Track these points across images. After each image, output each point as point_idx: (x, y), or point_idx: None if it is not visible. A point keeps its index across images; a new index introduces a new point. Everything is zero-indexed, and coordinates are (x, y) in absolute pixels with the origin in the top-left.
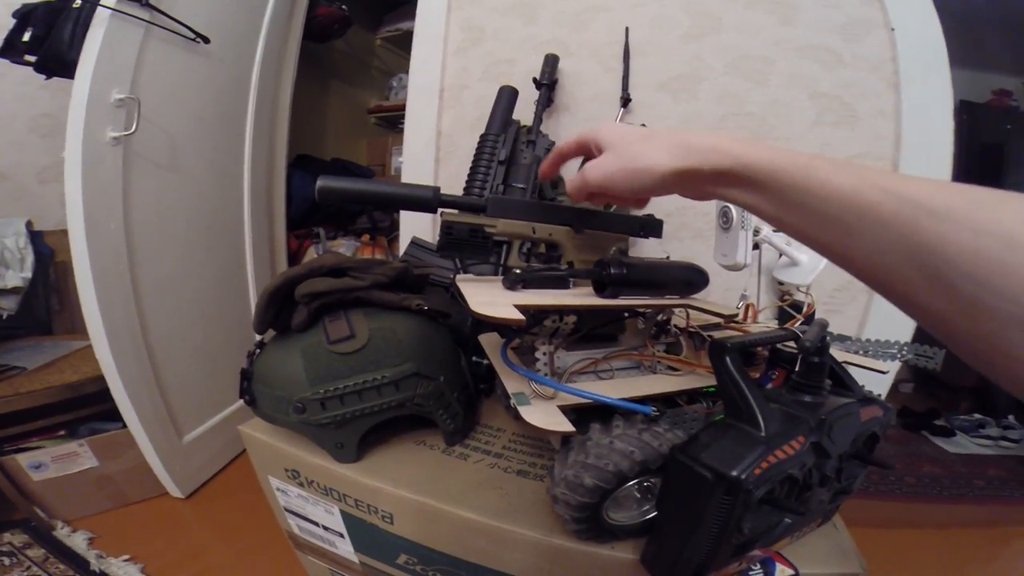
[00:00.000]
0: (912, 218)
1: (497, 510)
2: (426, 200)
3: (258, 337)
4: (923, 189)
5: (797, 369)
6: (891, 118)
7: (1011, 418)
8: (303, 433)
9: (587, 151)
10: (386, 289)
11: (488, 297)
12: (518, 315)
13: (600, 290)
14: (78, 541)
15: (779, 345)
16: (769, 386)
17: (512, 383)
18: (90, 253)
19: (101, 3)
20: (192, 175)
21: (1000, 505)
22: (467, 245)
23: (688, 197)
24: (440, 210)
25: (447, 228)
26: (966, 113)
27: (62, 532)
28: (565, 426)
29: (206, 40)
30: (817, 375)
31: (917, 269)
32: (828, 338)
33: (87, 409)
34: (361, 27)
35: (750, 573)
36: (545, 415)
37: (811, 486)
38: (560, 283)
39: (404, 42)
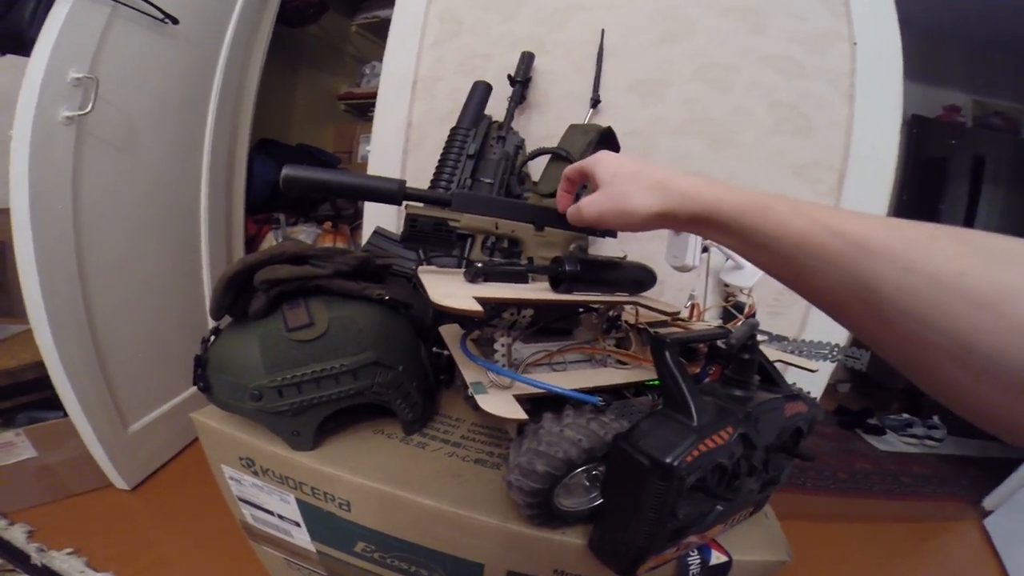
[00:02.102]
0: (854, 258)
1: (455, 497)
2: (391, 193)
3: (213, 323)
4: (866, 228)
5: (731, 365)
6: (843, 129)
7: (935, 418)
8: (259, 421)
9: (587, 179)
10: (347, 278)
11: (449, 289)
12: (477, 307)
13: (556, 285)
14: (16, 534)
15: (718, 342)
16: (707, 380)
17: (471, 373)
18: (34, 234)
19: None
20: (149, 157)
21: (924, 501)
22: (431, 237)
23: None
24: (405, 203)
25: (411, 220)
26: (916, 127)
27: None
28: (519, 414)
29: (175, 21)
30: (747, 371)
31: (861, 304)
32: (762, 338)
33: (25, 397)
34: (337, 12)
35: (688, 559)
36: (501, 403)
37: (740, 475)
38: (519, 278)
39: (380, 29)
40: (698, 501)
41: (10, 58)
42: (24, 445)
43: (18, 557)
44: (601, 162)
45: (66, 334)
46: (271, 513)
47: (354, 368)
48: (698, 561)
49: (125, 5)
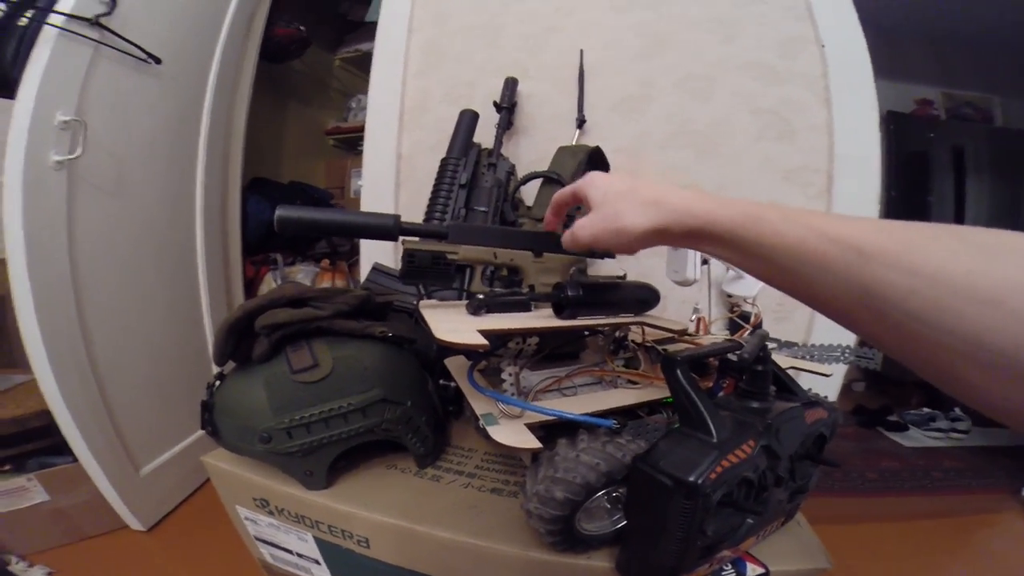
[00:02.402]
0: (854, 263)
1: (473, 528)
2: (387, 229)
3: (217, 369)
4: (862, 232)
5: (745, 377)
6: (824, 132)
7: (957, 410)
8: (270, 463)
9: (580, 202)
10: (349, 317)
11: (452, 324)
12: (482, 340)
13: (559, 312)
14: (36, 575)
15: (729, 355)
16: (721, 394)
17: (480, 404)
18: (31, 282)
19: (48, 22)
20: (141, 200)
21: (960, 494)
22: (429, 272)
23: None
24: (401, 238)
25: (409, 256)
26: (893, 123)
27: (18, 567)
28: (532, 443)
29: (157, 60)
30: (762, 382)
31: (865, 309)
32: (772, 346)
33: (34, 443)
34: (319, 48)
35: (722, 573)
36: (513, 433)
37: (767, 487)
38: (522, 307)
39: (363, 63)
40: (727, 516)
41: None
42: (36, 490)
43: None
44: (592, 184)
45: (70, 381)
46: (290, 552)
47: (362, 406)
48: (733, 574)
49: (107, 45)
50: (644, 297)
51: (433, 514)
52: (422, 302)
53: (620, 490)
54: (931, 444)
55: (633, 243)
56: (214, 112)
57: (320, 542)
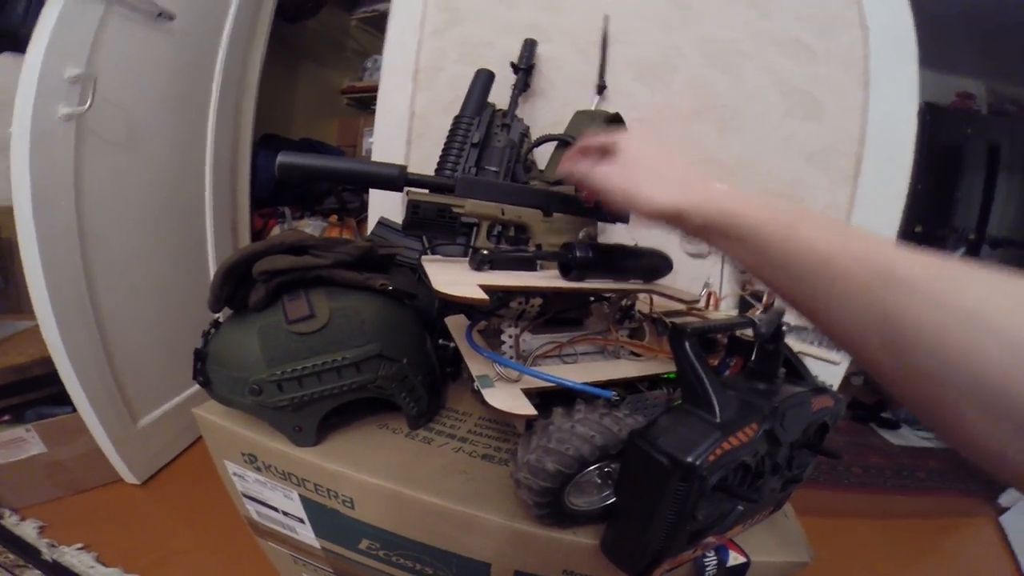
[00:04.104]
0: (878, 288)
1: (461, 494)
2: (391, 178)
3: (214, 316)
4: (893, 258)
5: (755, 356)
6: (858, 114)
7: None
8: (260, 416)
9: (607, 154)
10: (350, 268)
11: (453, 277)
12: (481, 294)
13: (566, 273)
14: (27, 530)
15: (737, 333)
16: (727, 373)
17: (477, 365)
18: (37, 231)
19: None
20: (151, 153)
21: (940, 496)
22: (434, 224)
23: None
24: (407, 189)
25: (413, 207)
26: (929, 115)
27: (10, 520)
28: (527, 409)
29: (171, 17)
30: (772, 363)
31: (880, 337)
32: (784, 327)
33: (34, 393)
34: (336, 7)
35: (704, 560)
36: (508, 398)
37: (763, 474)
38: (527, 265)
39: (380, 23)
40: (719, 501)
41: (6, 57)
42: (34, 441)
43: (29, 553)
44: (629, 143)
45: (73, 329)
46: (275, 509)
47: (357, 361)
48: (715, 562)
49: (118, 2)
50: (656, 265)
51: (421, 477)
52: (425, 256)
53: (613, 465)
54: (920, 444)
55: (645, 215)
56: (227, 68)
57: (305, 500)
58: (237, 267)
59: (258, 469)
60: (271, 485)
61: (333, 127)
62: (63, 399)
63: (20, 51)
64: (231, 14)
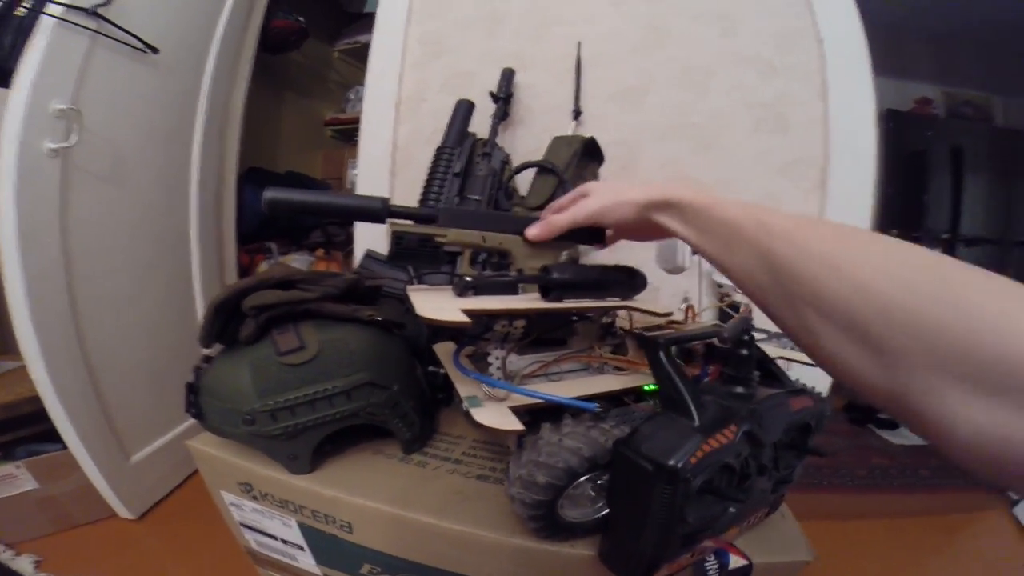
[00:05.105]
0: (762, 237)
1: (458, 514)
2: (374, 211)
3: (204, 351)
4: (776, 219)
5: (728, 362)
6: (820, 125)
7: None
8: (254, 446)
9: (576, 201)
10: (337, 301)
11: (437, 303)
12: (464, 318)
13: (546, 294)
14: (24, 564)
15: (715, 342)
16: (706, 380)
17: (465, 387)
18: (23, 268)
19: (45, 12)
20: (137, 188)
21: (947, 493)
22: (418, 254)
23: (639, 235)
24: (391, 221)
25: (397, 238)
26: (891, 121)
27: (5, 555)
28: (515, 424)
29: (155, 50)
30: (745, 367)
31: (766, 273)
32: (761, 336)
33: (25, 430)
34: (318, 39)
35: (705, 565)
36: (497, 416)
37: (750, 475)
38: (509, 288)
39: (362, 55)
40: (708, 504)
41: None
42: (25, 477)
43: None
44: (596, 183)
45: (60, 367)
46: (274, 538)
47: (347, 389)
48: (716, 566)
49: (104, 35)
50: (631, 282)
51: (417, 499)
52: (411, 286)
53: (604, 477)
54: (920, 442)
55: (631, 213)
56: (211, 102)
57: (304, 527)
58: (227, 303)
59: (255, 498)
60: (268, 513)
61: (318, 159)
62: (54, 436)
63: (4, 85)
64: (214, 47)
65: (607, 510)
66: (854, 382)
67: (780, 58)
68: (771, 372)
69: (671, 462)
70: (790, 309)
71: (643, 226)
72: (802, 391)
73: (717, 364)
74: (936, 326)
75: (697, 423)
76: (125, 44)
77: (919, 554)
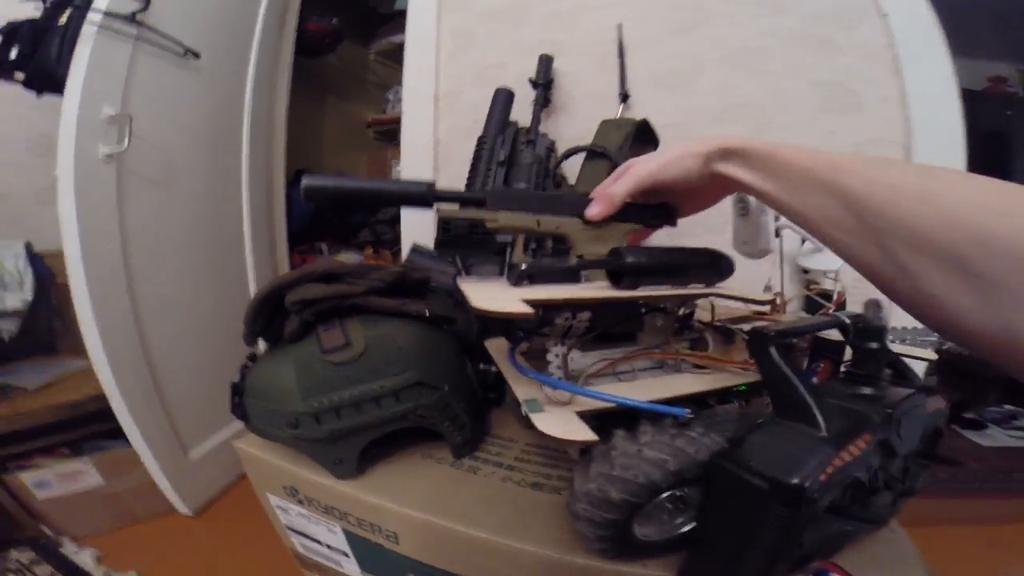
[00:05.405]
0: (839, 177)
1: (509, 527)
2: (420, 195)
3: (250, 350)
4: (845, 159)
5: (852, 358)
6: (897, 103)
7: None
8: (299, 449)
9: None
10: (384, 295)
11: (492, 294)
12: (526, 308)
13: (617, 281)
14: (85, 558)
15: (820, 334)
16: (815, 380)
17: (523, 389)
18: (86, 273)
19: (87, 21)
20: (188, 192)
21: None
22: (467, 242)
23: (703, 198)
24: (437, 206)
25: (444, 224)
26: (967, 101)
27: (69, 549)
28: (586, 434)
29: (196, 55)
30: (875, 363)
31: (847, 213)
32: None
33: (90, 428)
34: (353, 42)
35: None
36: (562, 423)
37: (877, 489)
38: (571, 276)
39: (398, 55)
40: (827, 524)
41: (47, 99)
42: (91, 473)
43: None
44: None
45: (123, 367)
46: (319, 543)
47: (396, 390)
48: None
49: (145, 41)
50: (716, 264)
51: (467, 509)
52: (461, 278)
53: (686, 490)
54: (1012, 444)
55: (695, 167)
56: (255, 105)
57: (349, 534)
58: (269, 299)
59: (300, 502)
60: (314, 519)
61: (362, 162)
62: (117, 434)
63: (57, 92)
64: (254, 50)
65: (690, 526)
66: (957, 325)
67: (843, 35)
68: (898, 368)
69: (795, 480)
70: (878, 248)
71: (706, 183)
72: (934, 390)
73: (828, 360)
74: None
75: (824, 432)
76: (167, 50)
77: (1017, 564)
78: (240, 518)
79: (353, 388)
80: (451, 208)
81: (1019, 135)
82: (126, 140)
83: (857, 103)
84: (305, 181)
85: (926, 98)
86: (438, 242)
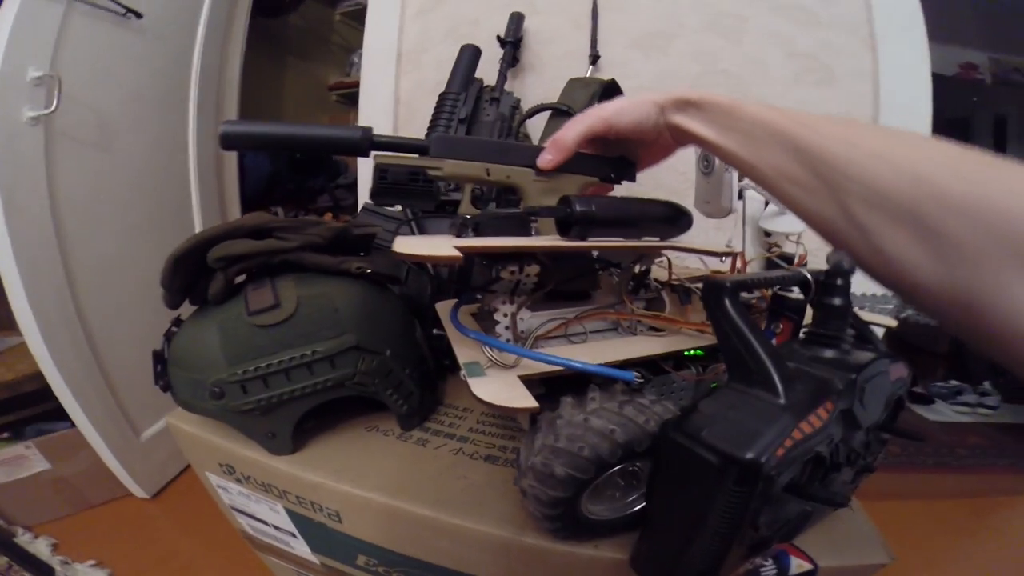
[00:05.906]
0: (799, 133)
1: (461, 504)
2: (354, 142)
3: (175, 314)
4: (807, 116)
5: (813, 318)
6: (869, 78)
7: (987, 384)
8: (228, 422)
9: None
10: (322, 251)
11: (424, 242)
12: (454, 252)
13: (565, 230)
14: (41, 547)
15: (780, 291)
16: (773, 342)
17: (465, 351)
18: (12, 239)
19: None
20: (130, 155)
21: (982, 474)
22: (407, 191)
23: (659, 151)
24: (375, 154)
25: (381, 171)
26: (934, 86)
27: (23, 539)
28: (526, 401)
29: (138, 15)
30: (839, 322)
31: (804, 169)
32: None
33: (30, 409)
34: (318, 1)
35: (761, 570)
36: (503, 388)
37: (839, 465)
38: (519, 226)
39: (364, 17)
40: (785, 504)
41: None
42: (36, 458)
43: (44, 571)
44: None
45: (60, 342)
46: (266, 523)
47: (330, 355)
48: (774, 572)
49: (80, 2)
50: (672, 217)
51: (415, 485)
52: (399, 237)
53: (638, 464)
54: (956, 419)
55: (650, 114)
56: (204, 65)
57: (292, 514)
58: (190, 255)
59: (238, 481)
60: (255, 498)
61: (324, 124)
62: (62, 414)
63: None
64: (204, 10)
65: (642, 504)
66: (913, 284)
67: (822, 7)
68: (861, 331)
69: (751, 455)
70: (834, 205)
71: (662, 133)
72: (896, 356)
73: (788, 320)
74: (990, 208)
75: (783, 400)
76: (105, 8)
77: (950, 537)
78: (200, 500)
79: (282, 353)
80: (391, 155)
81: (980, 121)
82: (55, 102)
83: (830, 76)
84: (222, 128)
85: (898, 77)
86: (373, 191)
